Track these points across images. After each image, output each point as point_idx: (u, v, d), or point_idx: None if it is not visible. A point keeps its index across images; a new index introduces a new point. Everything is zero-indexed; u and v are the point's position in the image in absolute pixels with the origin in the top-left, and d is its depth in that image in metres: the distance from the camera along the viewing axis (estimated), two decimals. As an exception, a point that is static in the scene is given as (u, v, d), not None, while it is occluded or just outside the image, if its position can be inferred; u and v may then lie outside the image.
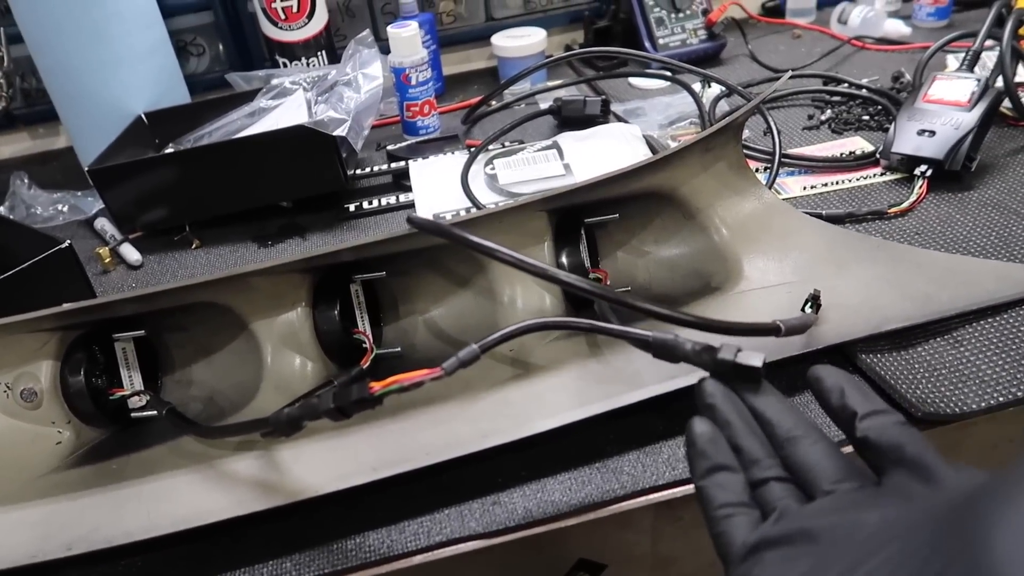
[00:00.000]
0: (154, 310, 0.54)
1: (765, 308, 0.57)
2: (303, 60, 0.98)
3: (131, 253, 0.79)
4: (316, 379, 0.55)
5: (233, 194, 0.80)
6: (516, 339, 0.56)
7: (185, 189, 0.79)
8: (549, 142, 0.85)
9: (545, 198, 0.55)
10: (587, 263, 0.59)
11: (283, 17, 0.95)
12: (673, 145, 0.82)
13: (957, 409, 0.49)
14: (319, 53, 0.98)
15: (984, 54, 0.80)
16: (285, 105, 0.87)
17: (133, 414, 0.55)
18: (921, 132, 0.72)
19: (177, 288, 0.50)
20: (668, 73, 0.93)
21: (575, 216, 0.60)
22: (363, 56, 0.86)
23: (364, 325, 0.57)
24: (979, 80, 0.74)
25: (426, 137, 0.94)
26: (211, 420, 0.55)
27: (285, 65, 0.97)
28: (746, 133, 0.85)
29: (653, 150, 0.84)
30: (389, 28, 0.90)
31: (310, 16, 0.95)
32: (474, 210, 0.75)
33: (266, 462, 0.48)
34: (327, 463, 0.47)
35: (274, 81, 0.91)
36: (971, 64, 0.77)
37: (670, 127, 0.88)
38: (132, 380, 0.55)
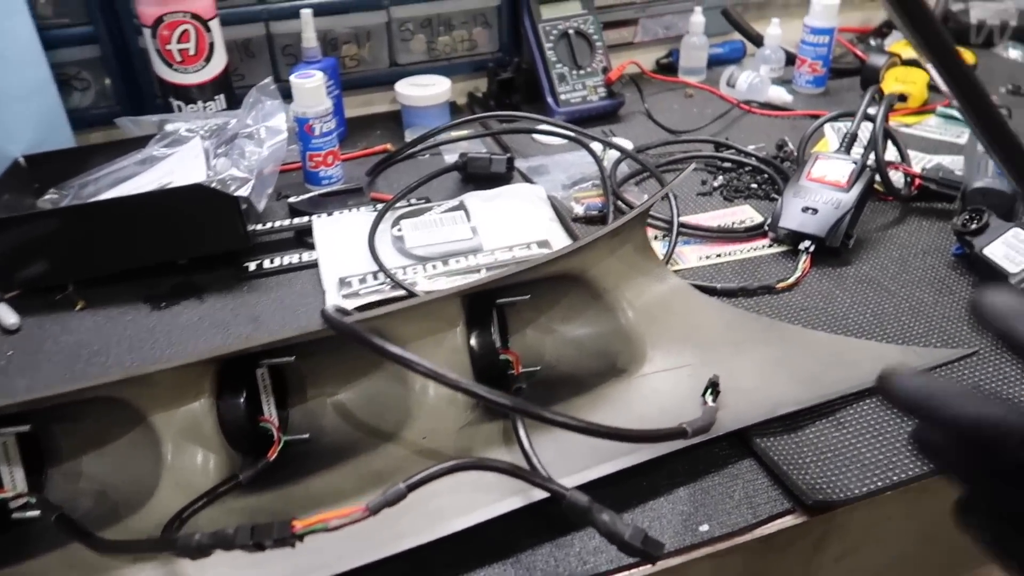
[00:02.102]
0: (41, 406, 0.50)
1: (669, 392, 0.60)
2: (200, 104, 0.94)
3: (7, 315, 0.73)
4: (220, 473, 0.53)
5: (123, 251, 0.76)
6: (429, 427, 0.56)
7: (69, 245, 0.74)
8: (456, 202, 0.86)
9: (462, 293, 0.56)
10: (498, 343, 0.60)
11: (179, 60, 0.91)
12: (577, 209, 0.85)
13: (842, 495, 0.53)
14: (217, 97, 0.95)
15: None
16: (180, 154, 0.84)
17: (14, 515, 0.51)
18: (805, 209, 0.78)
19: (71, 391, 0.47)
20: (571, 133, 0.96)
21: (487, 296, 0.61)
22: (265, 108, 0.84)
23: (271, 412, 0.56)
24: (855, 163, 0.80)
25: (329, 188, 0.92)
26: (104, 517, 0.52)
27: (180, 109, 0.93)
28: (644, 196, 0.88)
29: (558, 212, 0.86)
30: (292, 78, 0.88)
31: (208, 59, 0.92)
32: (388, 288, 0.75)
33: (167, 574, 0.46)
34: (236, 572, 0.46)
35: (168, 127, 0.87)
36: (848, 146, 0.83)
37: (573, 188, 0.90)
38: (14, 479, 0.51)
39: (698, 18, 1.16)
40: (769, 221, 0.80)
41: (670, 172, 0.95)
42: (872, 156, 0.81)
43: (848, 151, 0.83)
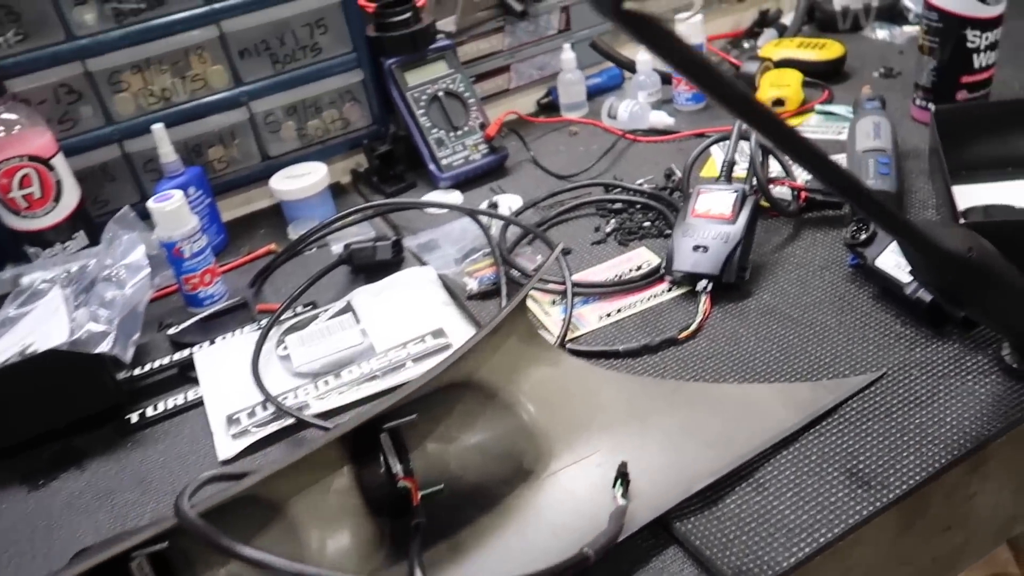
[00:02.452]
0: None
1: (580, 489, 0.56)
2: (58, 246, 0.88)
3: None
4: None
5: (-13, 431, 0.70)
6: None
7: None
8: (343, 303, 0.81)
9: (340, 435, 0.52)
10: (395, 469, 0.56)
11: (25, 206, 0.85)
12: (471, 284, 0.81)
13: (770, 571, 0.50)
14: (75, 235, 0.89)
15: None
16: (38, 311, 0.78)
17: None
18: (696, 248, 0.76)
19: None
20: (452, 206, 0.93)
21: (372, 425, 0.56)
22: (123, 243, 0.79)
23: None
24: (736, 191, 0.78)
25: (211, 309, 0.87)
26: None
27: (38, 255, 0.87)
28: (539, 258, 0.85)
29: (451, 292, 0.83)
30: (150, 203, 0.83)
31: (57, 199, 0.86)
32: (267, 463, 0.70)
33: None
34: None
35: (24, 281, 0.81)
36: (727, 173, 0.82)
37: (465, 261, 0.87)
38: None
39: (568, 55, 1.15)
40: (664, 264, 0.78)
41: (564, 223, 0.93)
42: (755, 179, 0.80)
43: (728, 179, 0.82)
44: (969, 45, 0.90)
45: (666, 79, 1.15)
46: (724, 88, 0.38)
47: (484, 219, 0.91)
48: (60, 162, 0.86)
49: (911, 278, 0.67)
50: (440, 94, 1.05)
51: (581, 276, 0.82)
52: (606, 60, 1.19)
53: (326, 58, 1.03)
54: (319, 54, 1.03)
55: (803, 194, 0.83)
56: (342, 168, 1.14)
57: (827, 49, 1.14)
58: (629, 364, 0.69)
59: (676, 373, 0.67)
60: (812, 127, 1.03)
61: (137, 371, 0.78)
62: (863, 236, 0.72)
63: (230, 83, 1.00)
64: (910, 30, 1.24)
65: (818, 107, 1.05)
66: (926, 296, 0.65)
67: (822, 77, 1.13)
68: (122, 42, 0.92)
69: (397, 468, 0.55)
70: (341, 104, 1.08)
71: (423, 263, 0.88)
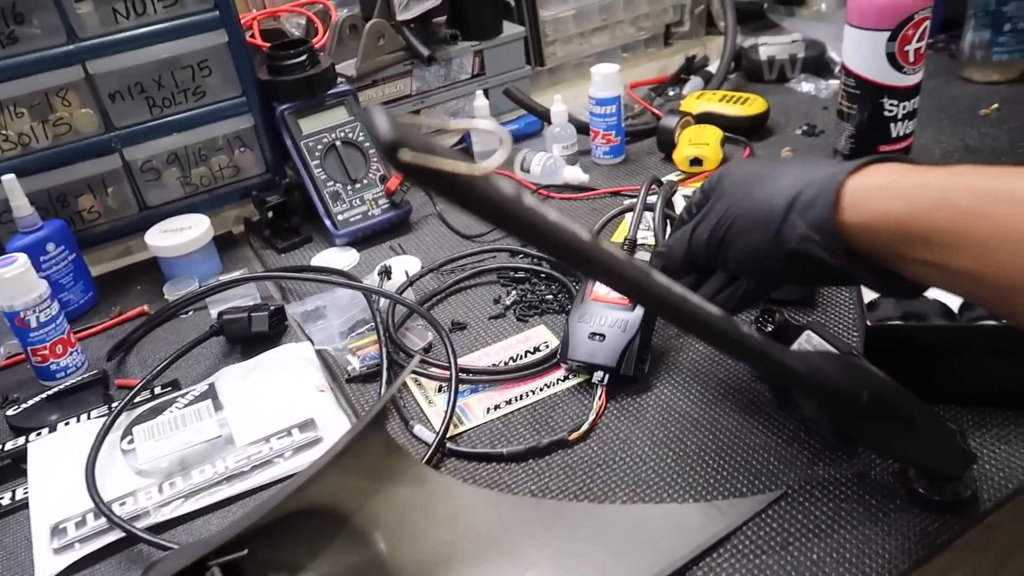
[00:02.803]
0: None
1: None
2: None
3: None
4: None
5: None
6: None
7: None
8: (204, 386, 0.73)
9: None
10: None
11: None
12: (353, 363, 0.74)
13: None
14: (-94, 298, 0.78)
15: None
16: None
17: None
18: (592, 336, 0.69)
19: None
20: (334, 278, 0.85)
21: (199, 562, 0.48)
22: (-54, 318, 0.69)
23: None
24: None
25: (61, 385, 0.77)
26: None
27: None
28: (429, 335, 0.78)
29: (331, 372, 0.75)
30: (-12, 269, 0.73)
31: None
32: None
33: None
34: None
35: None
36: (631, 251, 0.76)
37: (351, 335, 0.79)
38: None
39: (481, 101, 1.08)
40: (559, 350, 0.72)
41: (463, 291, 0.86)
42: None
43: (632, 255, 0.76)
44: (886, 113, 0.87)
45: (582, 129, 1.10)
46: (543, 236, 0.32)
47: (366, 295, 0.83)
48: None
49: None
50: (337, 143, 0.97)
51: (472, 359, 0.75)
52: (522, 108, 1.13)
53: (211, 102, 0.95)
54: (203, 98, 0.94)
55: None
56: (235, 217, 1.06)
57: (750, 104, 1.10)
58: (513, 470, 0.63)
59: (561, 483, 0.60)
60: (730, 189, 0.98)
61: (-42, 466, 0.68)
62: (768, 329, 0.67)
63: (99, 127, 0.90)
64: (835, 83, 1.21)
65: (737, 168, 1.00)
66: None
67: (744, 133, 1.09)
68: (-31, 83, 0.82)
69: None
70: (231, 151, 1.00)
71: (306, 335, 0.81)
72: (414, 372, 0.71)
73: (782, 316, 0.67)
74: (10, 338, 0.82)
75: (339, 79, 1.00)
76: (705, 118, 1.10)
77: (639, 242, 0.77)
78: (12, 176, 0.82)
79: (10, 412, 0.74)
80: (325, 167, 0.96)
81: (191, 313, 0.89)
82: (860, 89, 0.87)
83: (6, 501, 0.66)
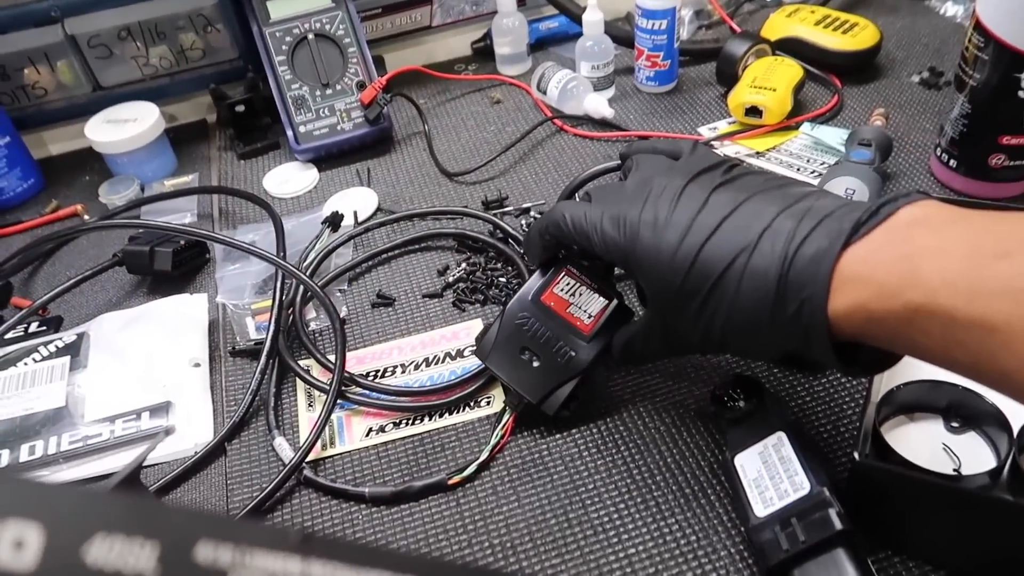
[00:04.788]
0: None
1: None
2: None
3: None
4: None
5: None
6: None
7: None
8: (74, 335, 0.63)
9: None
10: None
11: None
12: (250, 327, 0.62)
13: None
14: None
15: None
16: None
17: None
18: (524, 351, 0.53)
19: None
20: (242, 246, 0.71)
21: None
22: None
23: None
24: (610, 301, 0.53)
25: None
26: None
27: None
28: (344, 309, 0.65)
29: (226, 335, 0.64)
30: None
31: None
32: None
33: None
34: None
35: None
36: (606, 271, 0.56)
37: (262, 295, 0.67)
38: None
39: (506, -8, 0.87)
40: (476, 346, 0.56)
41: (414, 253, 0.70)
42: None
43: (606, 276, 0.56)
44: (1022, 94, 0.60)
45: (625, 42, 0.87)
46: None
47: (299, 234, 0.70)
48: None
49: (768, 511, 0.44)
50: (309, 37, 0.80)
51: (374, 353, 0.61)
52: (552, 6, 0.90)
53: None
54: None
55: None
56: (191, 109, 0.92)
57: (855, 35, 0.83)
58: (376, 513, 0.50)
59: (428, 542, 0.48)
60: (790, 155, 0.75)
61: None
62: (734, 406, 0.49)
63: (36, -7, 0.78)
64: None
65: (806, 126, 0.76)
66: (774, 553, 0.42)
67: (840, 72, 0.83)
68: None
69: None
70: (197, 29, 0.85)
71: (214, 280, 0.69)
72: (299, 367, 0.59)
73: (759, 398, 0.48)
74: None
75: (322, -48, 0.81)
76: (789, 46, 0.84)
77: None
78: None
79: None
80: (293, 64, 0.80)
81: (124, 217, 0.78)
82: (990, 53, 0.60)
83: None
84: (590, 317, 0.53)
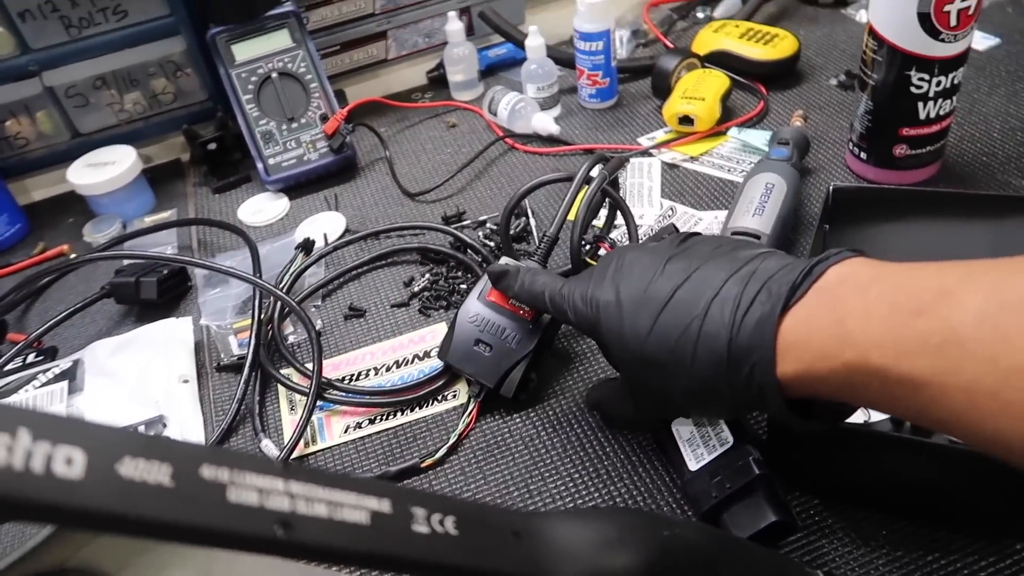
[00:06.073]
0: None
1: None
2: None
3: None
4: None
5: None
6: None
7: None
8: (70, 362, 0.68)
9: None
10: None
11: None
12: (233, 345, 0.68)
13: None
14: None
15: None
16: None
17: None
18: (478, 343, 0.59)
19: None
20: (225, 269, 0.77)
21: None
22: None
23: None
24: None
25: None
26: None
27: None
28: (318, 323, 0.70)
29: (210, 354, 0.69)
30: None
31: None
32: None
33: None
34: None
35: None
36: (546, 254, 0.63)
37: (242, 315, 0.72)
38: None
39: (455, 25, 0.93)
40: (440, 346, 0.62)
41: (383, 268, 0.76)
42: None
43: (544, 260, 0.63)
44: (913, 89, 0.68)
45: (567, 63, 0.94)
46: None
47: (274, 258, 0.75)
48: None
49: (700, 463, 0.50)
50: (273, 75, 0.86)
51: (350, 359, 0.67)
52: (498, 35, 0.98)
53: (135, 23, 0.85)
54: (124, 18, 0.85)
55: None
56: (183, 144, 0.98)
57: (775, 44, 0.91)
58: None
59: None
60: (721, 159, 0.82)
61: None
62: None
63: (15, 50, 0.83)
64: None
65: (734, 130, 0.83)
66: (705, 500, 0.48)
67: (764, 80, 0.91)
68: None
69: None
70: (167, 75, 0.91)
71: (197, 304, 0.74)
72: (282, 377, 0.64)
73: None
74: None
75: (281, -2, 0.88)
76: (717, 59, 0.91)
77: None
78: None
79: None
80: (260, 102, 0.86)
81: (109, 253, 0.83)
82: (884, 55, 0.68)
83: None
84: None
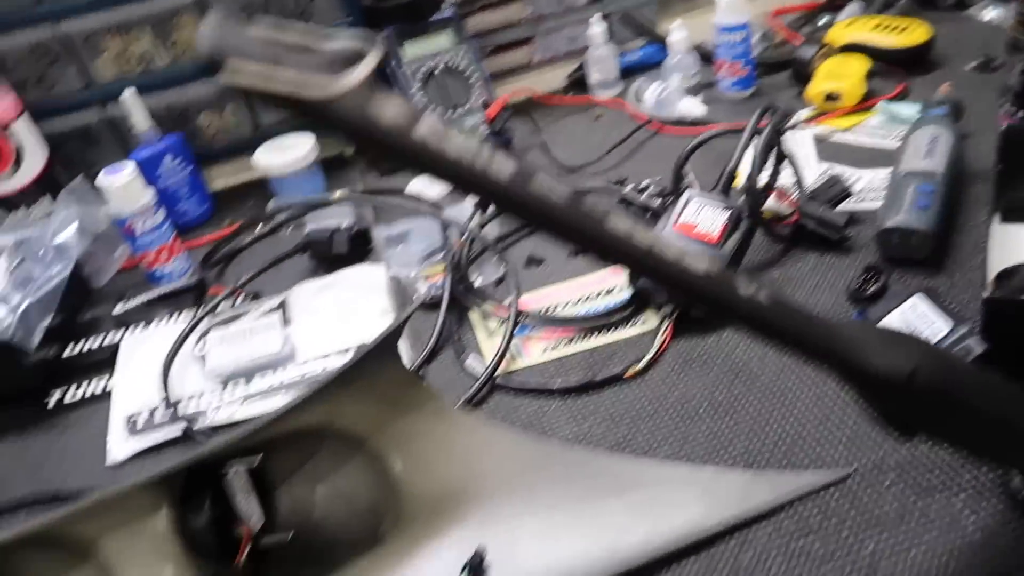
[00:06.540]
0: None
1: (431, 572, 0.47)
2: (25, 208, 0.86)
3: None
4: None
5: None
6: None
7: None
8: (276, 301, 0.75)
9: (162, 476, 0.46)
10: (246, 511, 0.49)
11: (-16, 169, 0.83)
12: (422, 289, 0.73)
13: None
14: (42, 198, 0.87)
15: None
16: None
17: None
18: None
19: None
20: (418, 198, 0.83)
21: (208, 465, 0.49)
22: (60, 219, 0.75)
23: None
24: (731, 210, 0.64)
25: (161, 290, 0.82)
26: None
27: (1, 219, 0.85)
28: (502, 269, 0.75)
29: (399, 297, 0.75)
30: (100, 177, 0.79)
31: (17, 165, 0.84)
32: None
33: None
34: None
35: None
36: (726, 187, 0.68)
37: (426, 262, 0.78)
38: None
39: (597, 28, 1.01)
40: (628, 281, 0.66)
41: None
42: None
43: (726, 191, 0.68)
44: (1072, 41, 0.71)
45: (706, 59, 1.00)
46: (441, 170, 0.27)
47: (452, 216, 0.81)
48: (23, 126, 0.84)
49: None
50: (437, 71, 0.95)
51: (539, 296, 0.71)
52: (640, 36, 1.05)
53: (319, 25, 0.95)
54: (310, 20, 0.95)
55: (794, 216, 0.68)
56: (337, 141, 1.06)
57: (908, 33, 0.95)
58: (556, 412, 0.59)
59: (603, 431, 0.56)
60: (870, 129, 0.85)
61: (65, 353, 0.75)
62: (871, 289, 0.58)
63: (216, 48, 0.94)
64: (1029, 12, 1.02)
65: (882, 105, 0.87)
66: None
67: (902, 66, 0.95)
68: (96, 5, 0.88)
69: (248, 510, 0.49)
70: (343, 73, 1.00)
71: (384, 258, 0.80)
72: (479, 307, 0.69)
73: (887, 277, 0.57)
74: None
75: (445, 3, 0.97)
76: (851, 49, 0.96)
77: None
78: (131, 92, 0.87)
79: (117, 309, 0.80)
80: (427, 94, 0.94)
81: (291, 230, 0.91)
82: (1040, 10, 0.71)
83: (99, 390, 0.72)
84: (716, 230, 0.63)
